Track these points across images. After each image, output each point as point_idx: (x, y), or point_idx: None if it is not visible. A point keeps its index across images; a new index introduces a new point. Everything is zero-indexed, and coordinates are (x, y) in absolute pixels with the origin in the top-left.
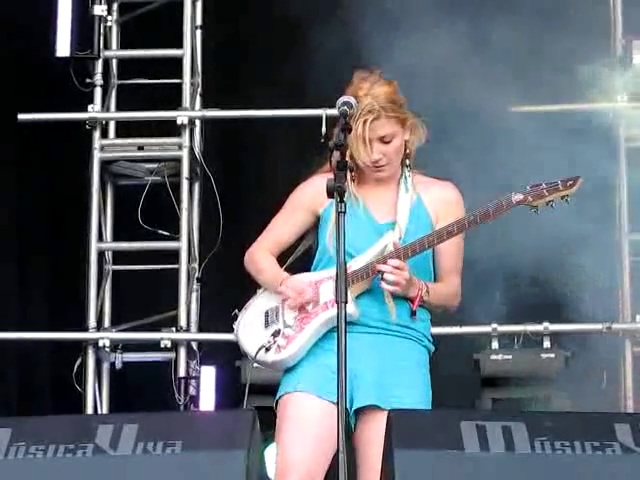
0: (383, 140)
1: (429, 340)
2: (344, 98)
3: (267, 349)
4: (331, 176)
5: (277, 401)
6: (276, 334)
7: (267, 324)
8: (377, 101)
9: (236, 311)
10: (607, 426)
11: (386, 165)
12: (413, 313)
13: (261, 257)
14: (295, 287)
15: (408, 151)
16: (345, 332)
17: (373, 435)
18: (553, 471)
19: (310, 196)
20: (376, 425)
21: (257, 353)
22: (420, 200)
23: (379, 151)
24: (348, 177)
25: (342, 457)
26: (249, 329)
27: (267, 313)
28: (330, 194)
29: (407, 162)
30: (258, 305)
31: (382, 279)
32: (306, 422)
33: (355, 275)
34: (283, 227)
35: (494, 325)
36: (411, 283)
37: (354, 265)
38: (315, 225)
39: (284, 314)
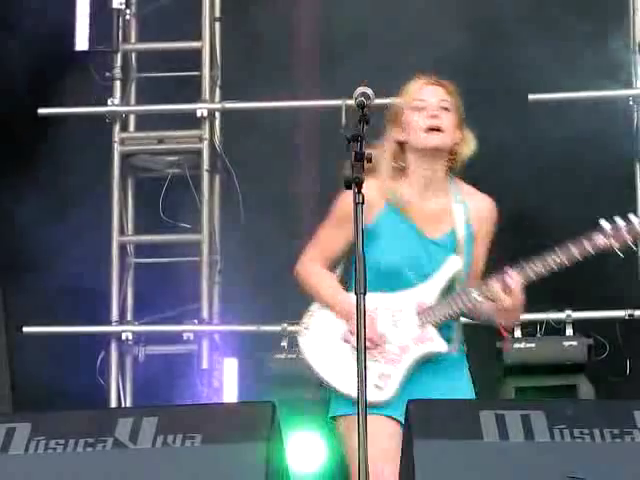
0: (441, 105)
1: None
2: (361, 89)
3: (380, 388)
4: (372, 182)
5: (337, 417)
6: (380, 374)
7: (341, 354)
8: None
9: (298, 336)
10: (626, 414)
11: (441, 130)
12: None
13: (313, 271)
14: (371, 327)
15: (457, 157)
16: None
17: None
18: (572, 459)
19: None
20: None
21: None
22: (468, 213)
23: (438, 109)
24: (385, 177)
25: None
26: (327, 357)
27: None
28: (348, 185)
29: (453, 167)
30: (323, 327)
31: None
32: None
33: (440, 311)
34: (332, 241)
35: None
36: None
37: (426, 295)
38: None
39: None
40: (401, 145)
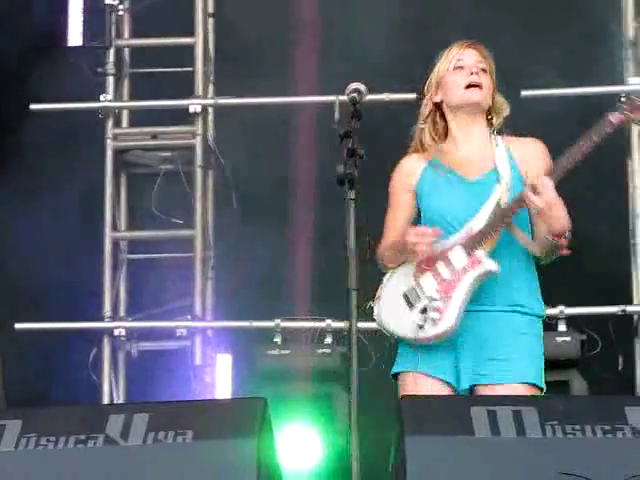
0: (478, 66)
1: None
2: (353, 85)
3: (421, 327)
4: (415, 156)
5: (397, 374)
6: (425, 310)
7: (411, 305)
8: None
9: (370, 303)
10: (618, 409)
11: (480, 86)
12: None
13: (389, 242)
14: (417, 230)
15: (495, 117)
16: (356, 321)
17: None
18: (564, 455)
19: (403, 179)
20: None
21: (417, 333)
22: (511, 154)
23: (476, 67)
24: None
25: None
26: (394, 315)
27: (406, 295)
28: (341, 182)
29: (494, 121)
30: (392, 290)
31: (534, 192)
32: None
33: (483, 233)
34: (399, 215)
35: None
36: (559, 202)
37: (475, 227)
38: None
39: (424, 290)
40: (438, 108)
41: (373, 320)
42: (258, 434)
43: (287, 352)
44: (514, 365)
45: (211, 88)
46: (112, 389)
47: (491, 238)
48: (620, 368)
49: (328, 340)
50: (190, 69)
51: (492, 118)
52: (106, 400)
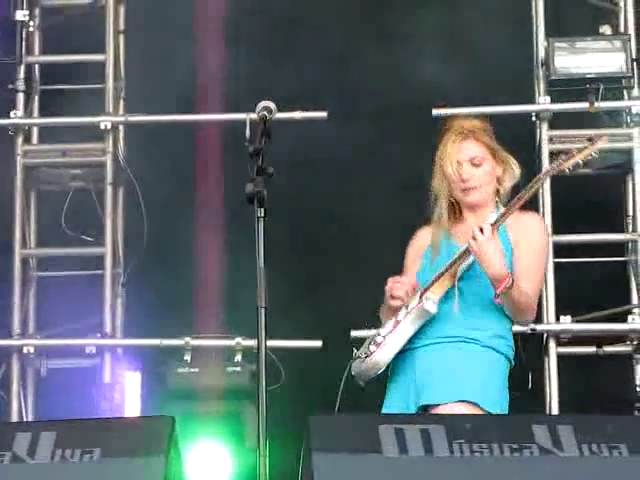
0: (472, 162)
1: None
2: (264, 103)
3: (361, 358)
4: (431, 229)
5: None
6: (369, 344)
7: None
8: (466, 126)
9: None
10: (525, 428)
11: (475, 188)
12: (497, 296)
13: None
14: (395, 278)
15: (501, 188)
16: (265, 338)
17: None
18: (472, 473)
19: (414, 248)
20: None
21: (359, 364)
22: (505, 228)
23: (468, 172)
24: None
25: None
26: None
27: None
28: (250, 200)
29: (498, 199)
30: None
31: (472, 238)
32: None
33: (435, 278)
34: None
35: None
36: (499, 251)
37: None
38: None
39: (380, 330)
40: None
41: (282, 338)
42: (166, 452)
43: (196, 370)
44: (452, 383)
45: (122, 105)
46: (21, 407)
47: (441, 283)
48: (530, 387)
49: (238, 358)
50: (101, 86)
51: (499, 190)
52: (15, 418)
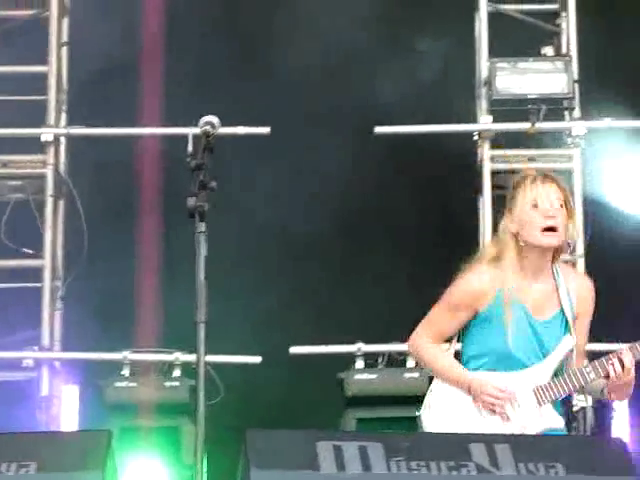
0: (554, 205)
1: None
2: (207, 117)
3: None
4: (485, 271)
5: None
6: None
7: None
8: (547, 171)
9: (416, 413)
10: (462, 446)
11: (559, 229)
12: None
13: (427, 347)
14: (498, 386)
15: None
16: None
17: None
18: None
19: (471, 296)
20: None
21: None
22: (571, 294)
23: (554, 211)
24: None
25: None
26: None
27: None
28: (192, 215)
29: (558, 255)
30: (444, 403)
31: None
32: None
33: (555, 389)
34: (447, 324)
35: (359, 344)
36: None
37: (541, 376)
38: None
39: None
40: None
41: (220, 353)
42: (103, 467)
43: (135, 385)
44: None
45: (63, 117)
46: None
47: (561, 397)
48: None
49: (177, 373)
50: (43, 97)
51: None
52: None
